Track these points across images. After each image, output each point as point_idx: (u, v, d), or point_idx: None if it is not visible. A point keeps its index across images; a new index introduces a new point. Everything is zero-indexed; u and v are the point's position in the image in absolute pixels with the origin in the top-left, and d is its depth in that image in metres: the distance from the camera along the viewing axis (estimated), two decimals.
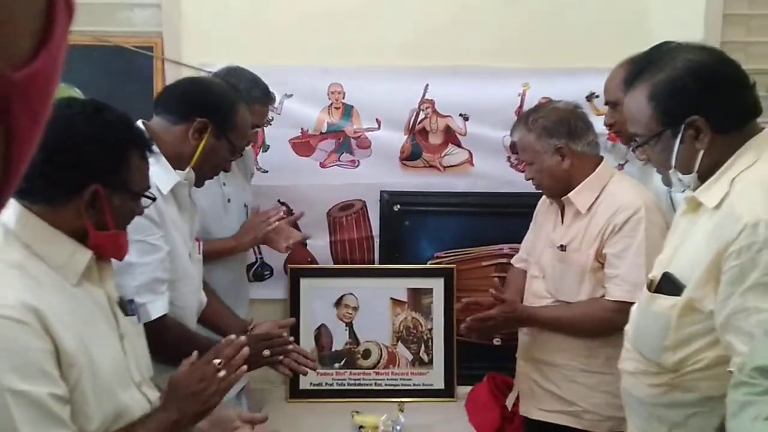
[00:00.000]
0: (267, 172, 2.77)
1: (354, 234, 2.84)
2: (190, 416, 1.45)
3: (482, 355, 2.79)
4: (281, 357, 1.98)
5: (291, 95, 2.74)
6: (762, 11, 2.71)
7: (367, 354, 2.79)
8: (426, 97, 2.75)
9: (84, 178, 1.31)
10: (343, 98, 2.76)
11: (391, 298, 2.80)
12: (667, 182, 1.63)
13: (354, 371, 2.78)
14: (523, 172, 2.43)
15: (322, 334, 2.78)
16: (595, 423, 2.12)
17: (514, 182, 2.73)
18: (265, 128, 2.70)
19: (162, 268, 1.75)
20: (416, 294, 2.80)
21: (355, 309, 2.79)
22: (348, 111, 2.77)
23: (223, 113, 1.87)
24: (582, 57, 2.66)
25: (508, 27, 2.71)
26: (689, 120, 1.48)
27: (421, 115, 2.76)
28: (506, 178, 2.78)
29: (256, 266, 2.80)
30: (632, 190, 2.10)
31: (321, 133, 2.77)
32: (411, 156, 2.79)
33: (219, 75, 2.31)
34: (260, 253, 2.80)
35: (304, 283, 2.79)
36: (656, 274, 1.60)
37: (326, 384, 2.77)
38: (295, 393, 2.74)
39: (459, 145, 2.79)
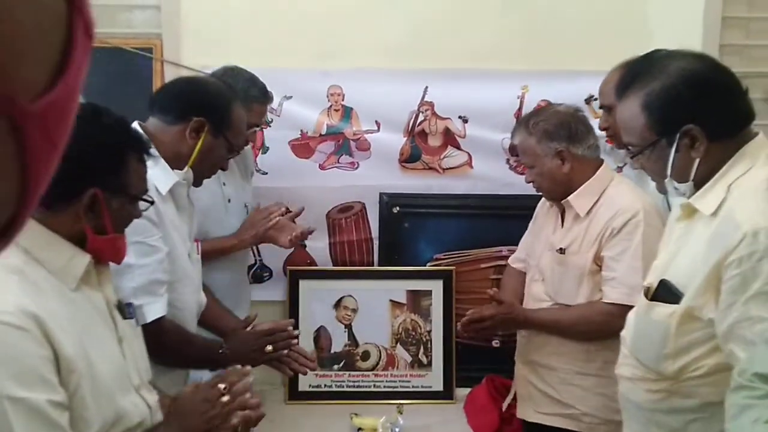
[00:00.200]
0: (266, 173, 2.77)
1: (353, 236, 2.84)
2: None
3: (481, 357, 2.79)
4: (285, 351, 1.99)
5: (290, 97, 2.74)
6: (761, 14, 2.71)
7: (366, 356, 2.79)
8: (425, 99, 2.75)
9: (82, 182, 1.31)
10: (343, 100, 2.76)
11: (390, 300, 2.80)
12: (662, 190, 1.62)
13: (353, 373, 2.78)
14: (522, 174, 2.44)
15: (321, 335, 2.78)
16: (593, 426, 2.12)
17: (514, 184, 2.73)
18: (264, 130, 2.71)
19: (161, 270, 1.75)
20: (415, 296, 2.80)
21: (354, 311, 2.80)
22: (347, 113, 2.77)
23: (219, 112, 1.87)
24: (581, 59, 2.66)
25: (507, 29, 2.71)
26: (685, 129, 1.47)
27: (421, 117, 2.76)
28: (505, 181, 2.78)
29: (255, 268, 2.80)
30: (631, 194, 2.10)
31: (320, 135, 2.77)
32: (410, 158, 2.79)
33: (216, 74, 2.31)
34: (259, 254, 2.81)
35: (303, 284, 2.79)
36: (652, 280, 1.59)
37: (325, 386, 2.77)
38: (294, 395, 2.74)
39: (458, 148, 2.79)
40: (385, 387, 2.77)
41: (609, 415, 2.03)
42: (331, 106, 2.77)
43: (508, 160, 2.78)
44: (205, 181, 2.01)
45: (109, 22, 2.69)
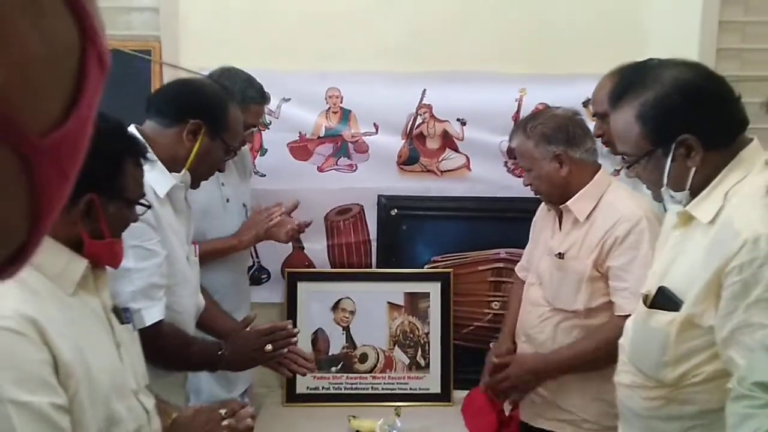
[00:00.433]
0: (265, 175, 2.77)
1: (351, 238, 2.85)
2: None
3: (479, 360, 2.78)
4: (285, 350, 1.99)
5: (289, 99, 2.74)
6: (757, 18, 2.72)
7: (363, 358, 2.79)
8: (423, 101, 2.76)
9: (79, 188, 1.30)
10: (341, 102, 2.77)
11: (388, 302, 2.80)
12: (658, 198, 1.63)
13: (351, 375, 2.78)
14: (520, 177, 2.44)
15: (318, 338, 2.78)
16: None
17: (511, 187, 2.74)
18: (262, 131, 2.71)
19: (159, 274, 1.75)
20: (413, 298, 2.81)
21: (352, 313, 2.80)
22: (346, 115, 2.77)
23: (216, 114, 1.87)
24: (578, 63, 2.67)
25: (505, 33, 2.72)
26: (680, 138, 1.47)
27: (419, 120, 2.77)
28: (503, 183, 2.79)
29: (253, 269, 2.80)
30: (631, 200, 2.09)
31: (319, 137, 2.77)
32: (408, 160, 2.80)
33: (213, 75, 2.31)
34: (257, 256, 2.81)
35: (301, 286, 2.79)
36: (650, 288, 1.59)
37: (323, 388, 2.77)
38: (292, 397, 2.74)
39: (456, 150, 2.80)
40: (382, 389, 2.77)
41: (608, 422, 2.02)
42: (329, 108, 2.77)
43: (506, 163, 2.79)
44: (205, 182, 2.01)
45: (107, 24, 2.63)
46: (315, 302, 2.79)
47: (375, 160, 2.79)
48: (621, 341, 1.70)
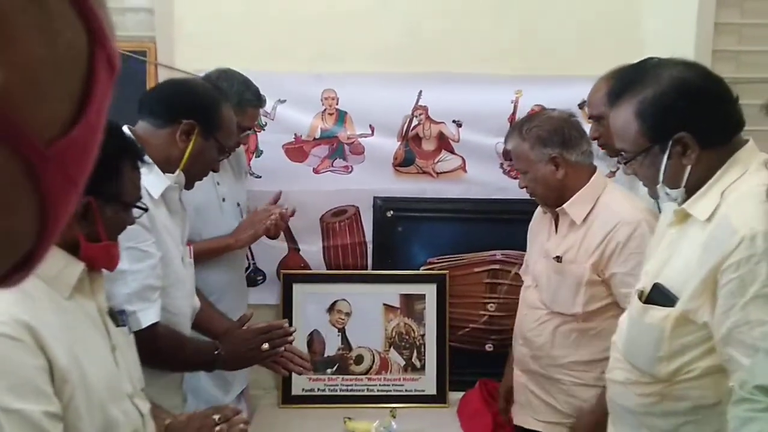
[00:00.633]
0: (260, 177, 2.77)
1: (347, 240, 2.84)
2: None
3: (474, 362, 2.80)
4: (282, 349, 1.98)
5: (284, 101, 2.74)
6: (753, 20, 2.73)
7: (359, 360, 2.79)
8: (419, 103, 2.75)
9: None
10: (337, 104, 2.76)
11: (384, 304, 2.80)
12: (654, 195, 1.64)
13: (346, 377, 2.77)
14: (515, 178, 2.44)
15: (314, 339, 2.78)
16: None
17: (507, 189, 2.74)
18: (258, 133, 2.71)
19: (154, 275, 1.74)
20: (409, 300, 2.80)
21: (348, 315, 2.79)
22: (341, 117, 2.77)
23: (209, 114, 1.87)
24: (574, 65, 2.67)
25: (501, 34, 2.72)
26: (677, 136, 1.49)
27: (415, 122, 2.77)
28: (499, 185, 2.78)
29: (249, 271, 2.79)
30: (628, 203, 2.09)
31: (314, 138, 2.77)
32: (404, 162, 2.79)
33: (210, 77, 2.31)
34: (253, 258, 2.80)
35: (297, 288, 2.79)
36: (645, 285, 1.60)
37: (318, 390, 2.76)
38: (287, 398, 2.74)
39: (452, 152, 2.79)
40: (378, 391, 2.77)
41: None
42: (325, 109, 2.76)
43: (501, 165, 2.78)
44: (200, 182, 2.00)
45: None
46: (310, 304, 2.79)
47: (371, 161, 2.78)
48: (614, 338, 1.71)
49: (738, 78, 2.53)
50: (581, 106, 2.64)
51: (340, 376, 2.77)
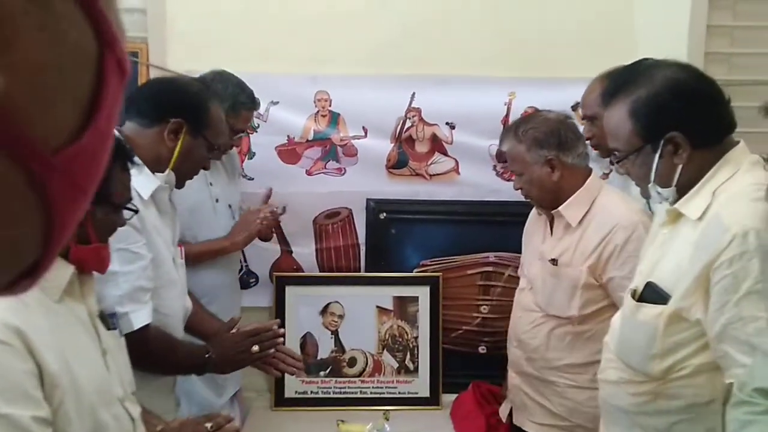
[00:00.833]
0: (253, 179, 2.76)
1: (340, 242, 2.84)
2: None
3: (467, 364, 2.80)
4: (272, 351, 1.98)
5: (277, 102, 2.73)
6: (745, 23, 2.73)
7: (352, 362, 2.78)
8: (412, 105, 2.75)
9: None
10: (330, 106, 2.76)
11: (377, 306, 2.80)
12: (646, 195, 1.66)
13: (339, 379, 2.77)
14: (509, 180, 2.44)
15: (307, 342, 2.77)
16: None
17: (500, 191, 2.74)
18: (250, 135, 2.70)
19: (145, 277, 1.73)
20: (402, 302, 2.80)
21: (341, 317, 2.79)
22: (334, 119, 2.76)
23: (196, 112, 1.85)
24: (567, 67, 2.67)
25: (494, 36, 2.72)
26: (669, 136, 1.51)
27: (408, 124, 2.76)
28: (492, 187, 2.78)
29: (241, 273, 2.78)
30: (624, 205, 2.08)
31: (307, 140, 2.76)
32: (397, 164, 2.79)
33: (205, 79, 2.30)
34: (245, 260, 2.79)
35: (290, 290, 2.78)
36: (638, 284, 1.61)
37: (311, 392, 2.75)
38: (280, 401, 2.73)
39: (445, 154, 2.79)
40: (371, 393, 2.76)
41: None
42: (318, 111, 2.76)
43: (494, 167, 2.78)
44: (192, 182, 1.99)
45: None
46: (303, 306, 2.78)
47: (364, 163, 2.78)
48: (606, 338, 1.72)
49: (730, 80, 2.53)
50: (574, 108, 2.64)
51: (333, 379, 2.77)
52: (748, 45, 2.75)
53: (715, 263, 1.40)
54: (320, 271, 2.84)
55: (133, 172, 1.48)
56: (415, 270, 2.84)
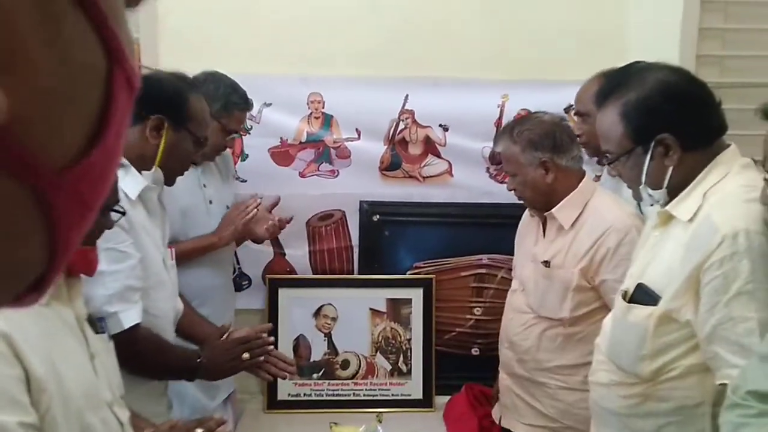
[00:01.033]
0: (246, 181, 2.75)
1: (333, 244, 2.83)
2: None
3: (460, 366, 2.80)
4: (261, 358, 1.97)
5: (270, 104, 2.73)
6: (737, 25, 2.74)
7: (345, 364, 2.78)
8: (406, 107, 2.75)
9: None
10: (323, 108, 2.75)
11: (370, 309, 2.79)
12: (637, 197, 1.67)
13: (332, 382, 2.76)
14: (502, 183, 2.44)
15: (300, 344, 2.77)
16: None
17: (494, 193, 2.74)
18: (243, 137, 2.69)
19: (134, 276, 1.71)
20: (395, 304, 2.80)
21: (334, 319, 2.78)
22: (328, 121, 2.76)
23: (176, 106, 1.83)
24: (560, 69, 2.68)
25: (487, 39, 2.72)
26: (659, 138, 1.52)
27: (401, 126, 2.76)
28: (485, 189, 2.78)
29: (234, 275, 2.77)
30: (617, 208, 2.08)
31: (300, 142, 2.76)
32: (390, 166, 2.79)
33: (198, 80, 2.29)
34: (238, 262, 2.78)
35: (283, 293, 2.77)
36: (629, 285, 1.62)
37: (304, 395, 2.75)
38: (273, 404, 2.72)
39: (438, 156, 2.79)
40: (364, 395, 2.76)
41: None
42: (311, 113, 2.76)
43: (488, 169, 2.79)
44: (185, 183, 1.97)
45: None
46: (296, 308, 2.78)
47: (357, 165, 2.78)
48: (597, 340, 1.73)
49: (722, 83, 2.54)
50: (567, 110, 2.65)
51: (326, 381, 2.76)
52: (740, 48, 2.75)
53: (706, 264, 1.41)
54: (313, 274, 2.84)
55: (119, 173, 1.46)
56: (409, 272, 2.84)
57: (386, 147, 2.77)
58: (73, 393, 1.25)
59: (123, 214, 1.50)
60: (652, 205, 1.66)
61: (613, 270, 1.99)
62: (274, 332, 2.61)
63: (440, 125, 2.77)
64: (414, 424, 2.56)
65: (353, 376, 2.77)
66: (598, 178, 2.56)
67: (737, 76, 2.71)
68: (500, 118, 2.73)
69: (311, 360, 2.77)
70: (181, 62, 2.57)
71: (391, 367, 2.78)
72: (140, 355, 1.70)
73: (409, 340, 2.79)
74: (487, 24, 2.72)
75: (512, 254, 2.43)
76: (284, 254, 2.82)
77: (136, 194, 1.76)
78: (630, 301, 1.58)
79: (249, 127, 2.69)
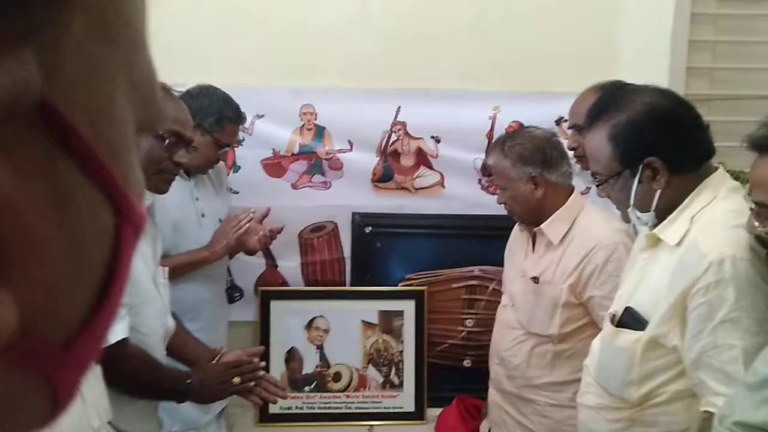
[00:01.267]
0: (238, 192, 2.75)
1: (325, 256, 2.83)
2: None
3: (452, 378, 2.79)
4: (252, 383, 1.95)
5: (262, 116, 2.73)
6: (727, 38, 2.76)
7: (337, 377, 2.77)
8: (398, 119, 2.76)
9: None
10: (315, 119, 2.76)
11: (362, 321, 2.79)
12: (626, 219, 1.67)
13: (324, 394, 2.75)
14: (494, 194, 2.43)
15: (292, 357, 2.76)
16: None
17: (485, 205, 2.74)
18: (236, 148, 2.69)
19: None
20: (387, 316, 2.79)
21: (326, 331, 2.77)
22: (320, 132, 2.76)
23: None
24: (551, 81, 2.69)
25: (478, 52, 2.73)
26: (647, 161, 1.53)
27: (393, 137, 2.77)
28: (477, 201, 2.79)
29: (226, 288, 2.76)
30: (605, 225, 2.08)
31: (293, 154, 2.76)
32: (383, 178, 2.79)
33: (191, 93, 2.29)
34: (230, 274, 2.78)
35: (275, 305, 2.76)
36: (617, 308, 1.62)
37: (296, 408, 2.74)
38: (265, 417, 2.71)
39: (430, 167, 2.80)
40: (356, 408, 2.75)
41: None
42: (303, 125, 2.76)
43: (480, 180, 2.79)
44: (177, 196, 1.95)
45: None
46: (288, 320, 2.77)
47: (349, 177, 2.78)
48: (586, 362, 1.73)
49: (712, 95, 2.56)
50: (558, 122, 2.66)
51: (318, 394, 2.75)
52: (730, 60, 2.77)
53: (692, 290, 1.41)
54: (305, 285, 2.83)
55: None
56: (400, 284, 2.83)
57: (378, 158, 2.78)
58: (62, 422, 1.22)
59: None
60: (641, 227, 1.66)
61: (600, 286, 2.00)
62: (265, 343, 2.61)
63: (432, 137, 2.77)
64: None
65: (345, 389, 2.76)
66: (588, 189, 2.56)
67: (727, 88, 2.73)
68: (492, 129, 2.74)
69: (303, 372, 2.76)
70: (174, 75, 2.58)
71: (383, 380, 2.77)
72: (127, 372, 1.67)
73: (401, 352, 2.78)
74: (479, 37, 2.73)
75: (503, 266, 2.43)
76: (276, 266, 2.81)
77: None
78: (618, 325, 1.58)
79: (241, 138, 2.68)
